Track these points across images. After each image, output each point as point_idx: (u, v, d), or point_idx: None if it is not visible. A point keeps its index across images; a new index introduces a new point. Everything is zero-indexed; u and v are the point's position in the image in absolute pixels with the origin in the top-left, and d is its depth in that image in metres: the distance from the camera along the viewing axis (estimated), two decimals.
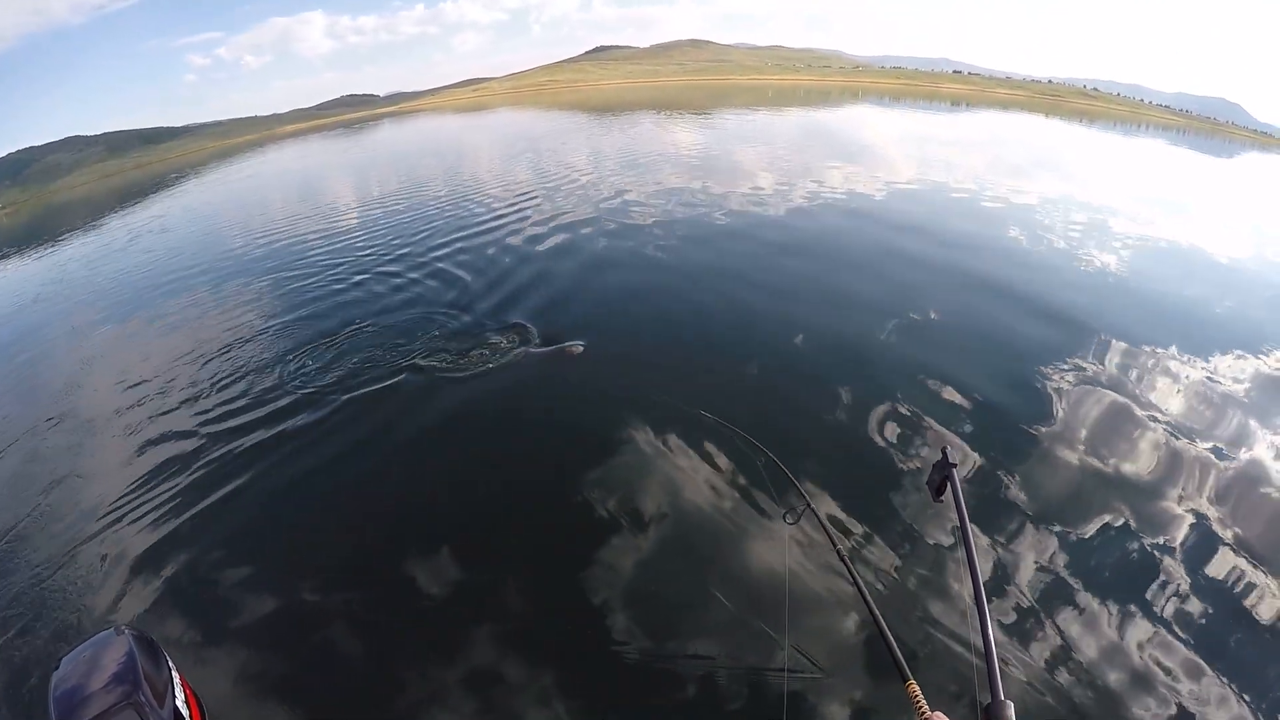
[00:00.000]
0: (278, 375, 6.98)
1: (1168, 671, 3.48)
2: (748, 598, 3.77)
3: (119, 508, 5.14)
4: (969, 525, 1.78)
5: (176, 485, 5.32)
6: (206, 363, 7.65)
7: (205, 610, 4.04)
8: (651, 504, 4.58)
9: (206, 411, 6.47)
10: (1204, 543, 4.38)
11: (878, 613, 1.94)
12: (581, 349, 6.63)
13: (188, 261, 13.62)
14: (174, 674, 2.54)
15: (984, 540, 4.22)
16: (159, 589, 4.23)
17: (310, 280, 10.34)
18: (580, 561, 4.12)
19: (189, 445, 5.91)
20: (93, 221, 27.22)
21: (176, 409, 6.66)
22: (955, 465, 1.95)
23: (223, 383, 7.05)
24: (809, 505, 2.76)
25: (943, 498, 2.00)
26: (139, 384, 7.49)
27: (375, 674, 3.52)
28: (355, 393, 6.37)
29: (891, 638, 1.79)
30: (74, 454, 6.24)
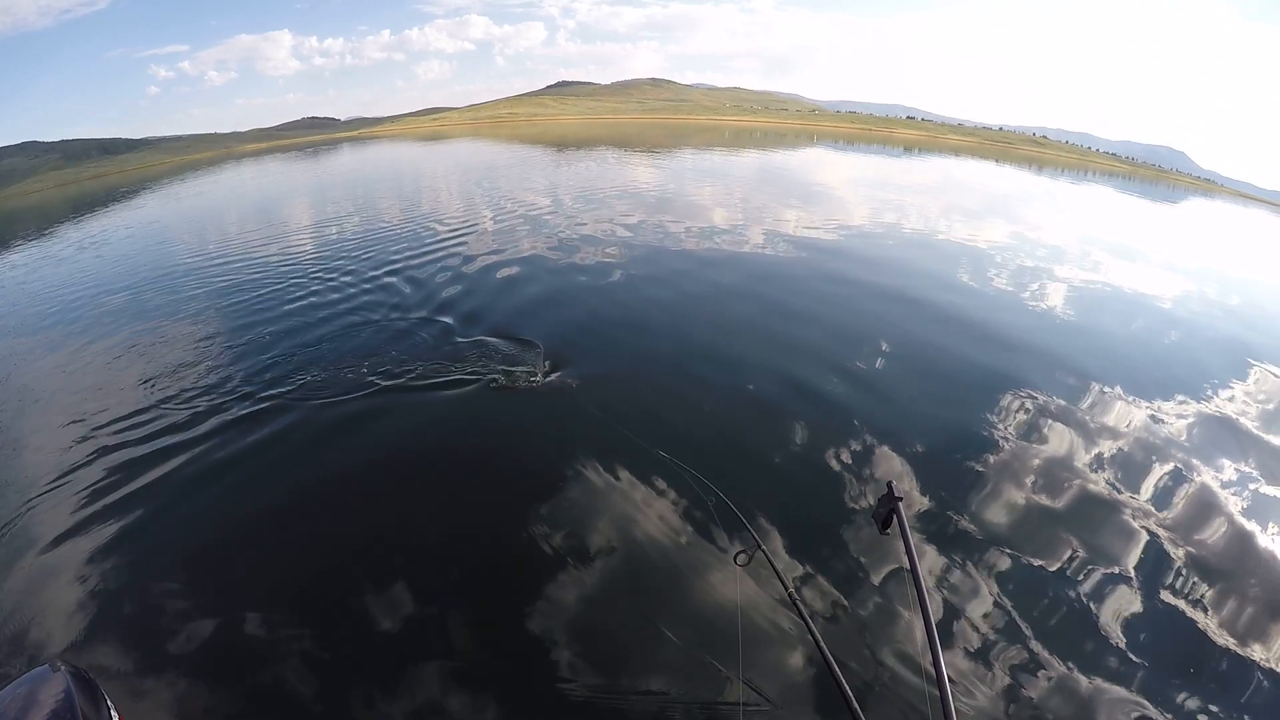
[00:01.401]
0: (220, 389, 6.77)
1: (1119, 700, 3.55)
2: (699, 635, 3.76)
3: (46, 525, 4.90)
4: (916, 557, 1.85)
5: (109, 505, 5.06)
6: (146, 374, 7.46)
7: (142, 644, 3.86)
8: (603, 541, 4.54)
9: (143, 424, 6.22)
10: (1153, 575, 4.49)
11: (830, 657, 1.91)
12: (575, 384, 6.56)
13: (130, 274, 13.34)
14: (113, 713, 2.43)
15: (935, 572, 4.28)
16: (93, 620, 4.03)
17: (266, 296, 10.18)
18: (529, 597, 4.06)
19: (123, 461, 5.65)
20: (44, 230, 26.19)
21: (110, 421, 6.37)
22: (900, 499, 2.01)
23: (160, 394, 6.83)
24: (760, 547, 2.77)
25: (889, 530, 2.05)
26: (73, 394, 7.24)
27: (319, 711, 3.45)
28: (310, 413, 6.21)
29: (845, 683, 1.78)
30: None
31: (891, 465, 5.44)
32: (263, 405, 6.37)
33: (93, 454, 5.83)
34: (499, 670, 3.63)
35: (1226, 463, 5.95)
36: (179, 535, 4.79)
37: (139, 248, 17.27)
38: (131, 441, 5.96)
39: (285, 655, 3.74)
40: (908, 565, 1.86)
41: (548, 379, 6.64)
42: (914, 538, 1.88)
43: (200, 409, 6.39)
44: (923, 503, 5.03)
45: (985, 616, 4.01)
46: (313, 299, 9.82)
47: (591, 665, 3.63)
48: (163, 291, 11.44)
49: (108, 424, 6.32)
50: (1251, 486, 5.64)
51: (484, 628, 3.92)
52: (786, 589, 2.47)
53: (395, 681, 3.55)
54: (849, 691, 1.74)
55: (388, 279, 10.54)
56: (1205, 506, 5.30)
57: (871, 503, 4.87)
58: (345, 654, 3.76)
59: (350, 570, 4.37)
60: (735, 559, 3.28)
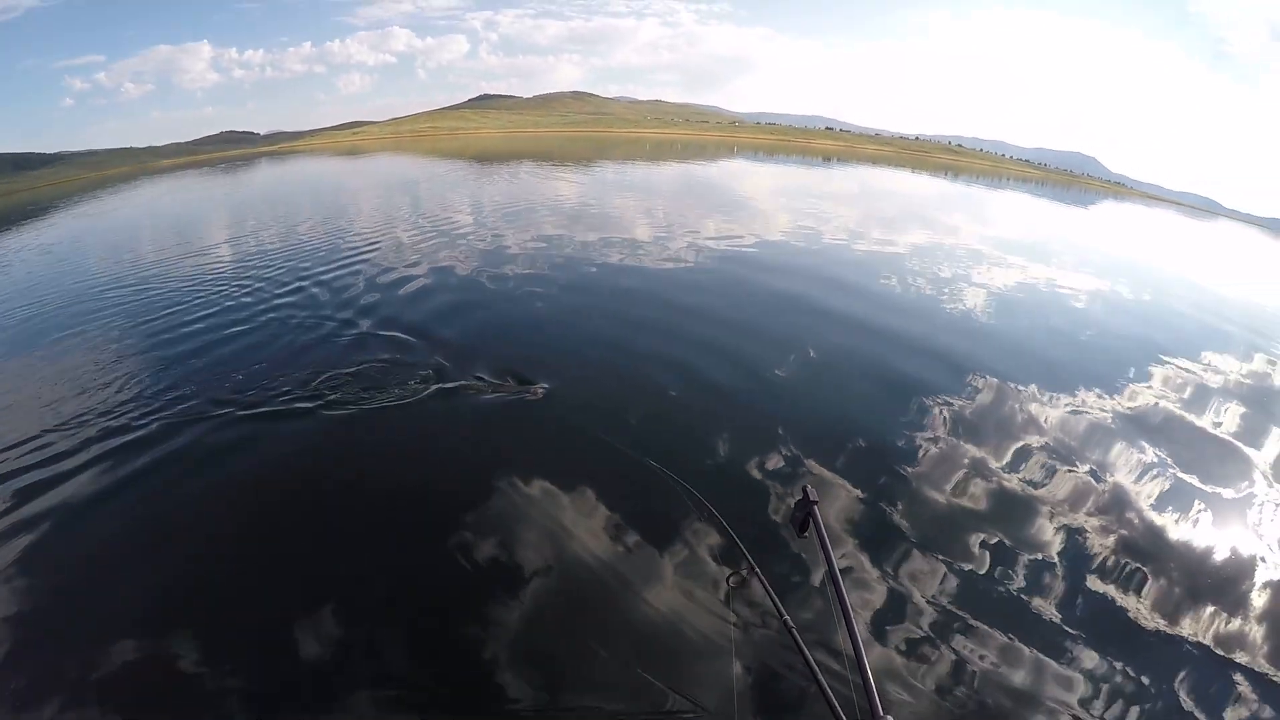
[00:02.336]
0: (126, 408, 6.34)
1: (1050, 681, 3.65)
2: (682, 656, 3.58)
3: None
4: (833, 556, 1.91)
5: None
6: (46, 396, 6.97)
7: (55, 685, 3.51)
8: (585, 556, 4.34)
9: (41, 449, 5.76)
10: (1078, 560, 4.68)
11: (827, 688, 1.89)
12: (542, 392, 6.38)
13: (33, 294, 12.51)
14: None
15: (871, 569, 4.29)
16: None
17: (176, 314, 9.60)
18: (479, 614, 3.90)
19: (17, 488, 5.23)
20: None
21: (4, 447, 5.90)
22: (816, 502, 2.10)
23: (60, 415, 6.36)
24: (755, 570, 2.76)
25: (806, 533, 2.11)
26: None
27: None
28: (231, 432, 5.88)
29: (836, 705, 1.78)
30: None
31: (810, 466, 5.43)
32: (173, 425, 6.03)
33: None
34: (439, 695, 3.50)
35: (1140, 452, 6.25)
36: (81, 565, 4.45)
37: (45, 265, 16.48)
38: (36, 468, 5.54)
39: (205, 689, 3.49)
40: (825, 567, 1.90)
41: (549, 391, 6.48)
42: (839, 538, 1.94)
43: (107, 431, 6.03)
44: (847, 503, 5.02)
45: (920, 609, 4.05)
46: (227, 316, 9.27)
47: (536, 684, 3.47)
48: (67, 311, 10.76)
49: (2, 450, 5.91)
50: (1166, 472, 5.95)
51: (422, 651, 3.73)
52: (781, 616, 2.40)
53: (328, 712, 3.37)
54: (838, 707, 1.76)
55: (307, 292, 10.26)
56: (1122, 495, 5.52)
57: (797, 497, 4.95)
58: (274, 685, 3.57)
59: (276, 597, 4.13)
60: (728, 580, 3.21)
